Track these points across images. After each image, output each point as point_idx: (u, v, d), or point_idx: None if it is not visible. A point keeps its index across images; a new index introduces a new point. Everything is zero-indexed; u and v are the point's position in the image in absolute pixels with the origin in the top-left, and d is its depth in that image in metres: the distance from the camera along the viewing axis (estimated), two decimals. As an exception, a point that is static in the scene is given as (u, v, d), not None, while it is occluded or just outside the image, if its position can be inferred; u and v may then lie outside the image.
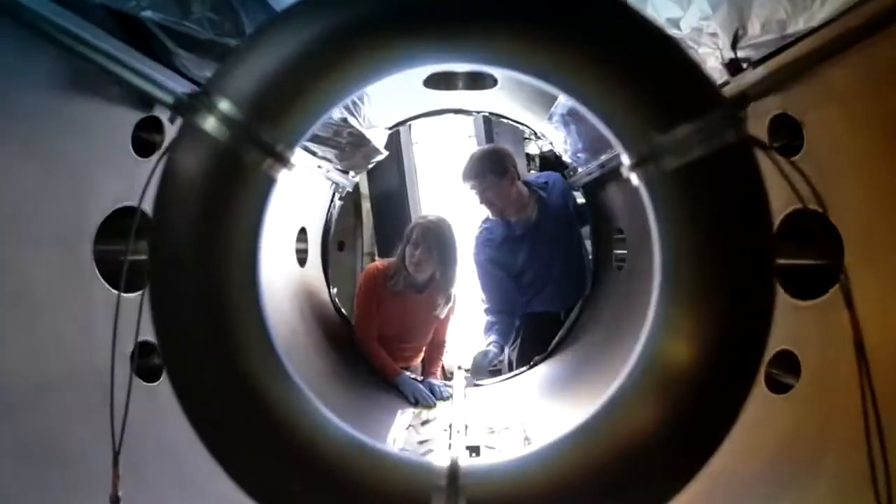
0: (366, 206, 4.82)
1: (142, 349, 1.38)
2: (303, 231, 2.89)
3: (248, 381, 0.92)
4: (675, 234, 0.90)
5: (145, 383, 1.36)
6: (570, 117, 2.57)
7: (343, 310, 3.32)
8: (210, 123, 0.87)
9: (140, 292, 1.40)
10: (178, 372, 0.97)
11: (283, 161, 0.92)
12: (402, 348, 3.12)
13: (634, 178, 0.91)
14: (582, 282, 3.28)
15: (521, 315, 3.28)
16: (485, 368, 2.87)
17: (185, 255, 0.91)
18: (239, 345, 0.92)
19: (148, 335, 1.44)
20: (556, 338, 3.18)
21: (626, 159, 0.91)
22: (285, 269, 2.57)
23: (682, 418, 0.89)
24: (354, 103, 1.90)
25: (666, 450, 0.90)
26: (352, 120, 1.87)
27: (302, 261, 2.88)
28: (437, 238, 2.83)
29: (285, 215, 2.54)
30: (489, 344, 3.03)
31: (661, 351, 0.91)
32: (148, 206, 0.94)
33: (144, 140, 1.44)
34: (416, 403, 2.78)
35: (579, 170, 3.11)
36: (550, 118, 2.77)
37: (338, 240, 4.83)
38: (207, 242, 0.91)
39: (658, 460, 0.90)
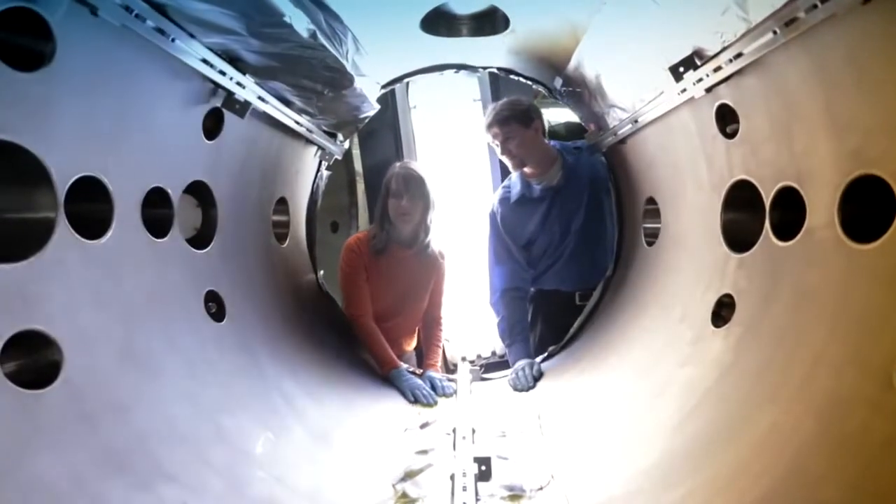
0: (361, 185, 4.45)
1: (24, 341, 0.99)
2: (282, 202, 2.48)
3: None
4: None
5: (25, 391, 0.96)
6: (598, 60, 2.16)
7: (332, 294, 2.93)
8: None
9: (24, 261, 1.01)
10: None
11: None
12: (393, 327, 2.80)
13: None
14: (602, 263, 2.90)
15: (532, 294, 3.01)
16: (528, 385, 2.56)
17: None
18: None
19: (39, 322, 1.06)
20: (576, 323, 2.80)
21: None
22: (256, 244, 2.17)
23: None
24: (332, 28, 1.49)
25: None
26: (324, 41, 1.46)
27: (281, 236, 2.48)
28: (419, 183, 2.70)
29: (256, 178, 2.13)
30: (517, 362, 2.71)
31: None
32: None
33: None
34: (414, 401, 2.40)
35: (601, 132, 2.71)
36: (573, 65, 2.36)
37: (331, 220, 4.47)
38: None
39: None
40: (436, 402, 2.40)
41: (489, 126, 2.85)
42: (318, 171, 2.88)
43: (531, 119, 2.81)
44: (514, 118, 2.79)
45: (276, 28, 1.33)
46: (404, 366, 2.62)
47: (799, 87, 1.26)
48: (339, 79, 1.81)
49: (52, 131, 1.10)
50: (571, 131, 4.40)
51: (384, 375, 2.56)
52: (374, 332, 2.65)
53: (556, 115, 5.04)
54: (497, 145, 2.86)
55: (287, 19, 1.29)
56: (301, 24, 1.35)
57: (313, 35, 1.41)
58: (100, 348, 1.18)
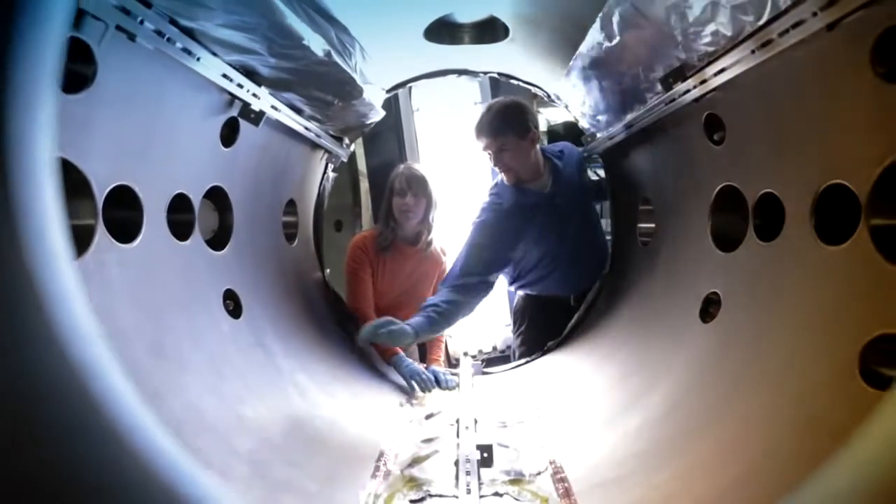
0: (364, 185, 4.54)
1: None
2: (291, 204, 2.59)
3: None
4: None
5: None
6: (593, 70, 2.26)
7: (338, 292, 3.04)
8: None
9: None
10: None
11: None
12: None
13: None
14: (597, 264, 2.99)
15: (529, 299, 3.05)
16: (367, 341, 2.43)
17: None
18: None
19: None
20: (573, 321, 2.90)
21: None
22: (268, 244, 2.27)
23: None
24: (342, 42, 1.60)
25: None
26: (337, 58, 1.57)
27: (290, 237, 2.59)
28: (422, 182, 2.85)
29: (268, 182, 2.24)
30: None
31: None
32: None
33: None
34: (413, 390, 2.51)
35: (598, 136, 2.81)
36: (569, 73, 2.46)
37: (335, 219, 4.57)
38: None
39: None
40: (432, 388, 2.51)
41: (480, 135, 2.60)
42: (325, 173, 2.98)
43: (528, 128, 2.60)
44: (510, 128, 2.56)
45: (294, 49, 1.43)
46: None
47: (776, 101, 1.37)
48: (349, 90, 1.91)
49: (91, 146, 1.20)
50: (570, 131, 4.49)
51: (386, 362, 2.68)
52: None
53: (555, 115, 5.14)
54: (489, 155, 2.65)
55: (305, 42, 1.40)
56: (318, 45, 1.45)
57: (328, 54, 1.52)
58: (135, 344, 1.28)
